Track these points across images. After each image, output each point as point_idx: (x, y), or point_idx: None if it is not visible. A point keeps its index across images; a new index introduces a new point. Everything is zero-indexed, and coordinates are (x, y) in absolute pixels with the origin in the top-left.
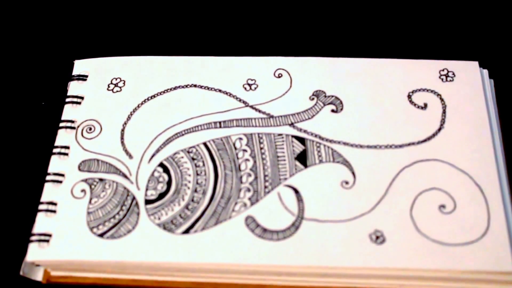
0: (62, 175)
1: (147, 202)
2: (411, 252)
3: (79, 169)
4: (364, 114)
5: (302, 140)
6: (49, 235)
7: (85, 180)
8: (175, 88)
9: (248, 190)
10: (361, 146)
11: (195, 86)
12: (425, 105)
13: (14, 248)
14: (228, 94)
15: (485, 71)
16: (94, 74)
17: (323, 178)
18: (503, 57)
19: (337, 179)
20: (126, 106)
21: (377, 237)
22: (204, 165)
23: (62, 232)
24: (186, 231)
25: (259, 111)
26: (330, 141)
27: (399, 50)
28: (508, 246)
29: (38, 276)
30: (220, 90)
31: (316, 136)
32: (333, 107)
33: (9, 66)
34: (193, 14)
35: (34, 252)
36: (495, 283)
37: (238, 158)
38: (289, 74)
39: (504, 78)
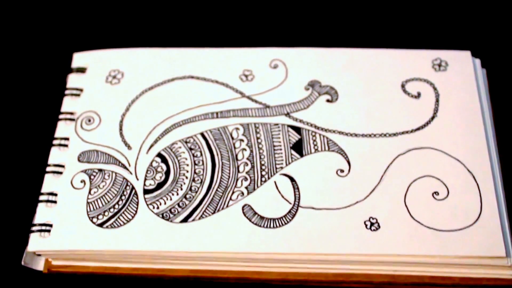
0: (62, 166)
1: (146, 191)
2: (405, 238)
3: (79, 160)
4: (358, 103)
5: (298, 130)
6: (50, 225)
7: (85, 171)
8: (172, 80)
9: (245, 179)
10: (356, 135)
11: (192, 77)
12: (419, 94)
13: (15, 238)
14: (225, 85)
15: (478, 61)
16: (92, 66)
17: (319, 167)
18: (495, 46)
19: (333, 168)
20: (124, 98)
21: (372, 224)
22: (201, 155)
23: (62, 222)
24: (185, 220)
25: (256, 101)
26: (326, 130)
27: (393, 40)
28: (500, 231)
29: (39, 265)
30: (217, 81)
31: (311, 125)
32: (328, 97)
33: (9, 59)
34: (190, 6)
35: (35, 242)
36: (487, 268)
37: (235, 147)
38: (284, 65)
39: (496, 67)
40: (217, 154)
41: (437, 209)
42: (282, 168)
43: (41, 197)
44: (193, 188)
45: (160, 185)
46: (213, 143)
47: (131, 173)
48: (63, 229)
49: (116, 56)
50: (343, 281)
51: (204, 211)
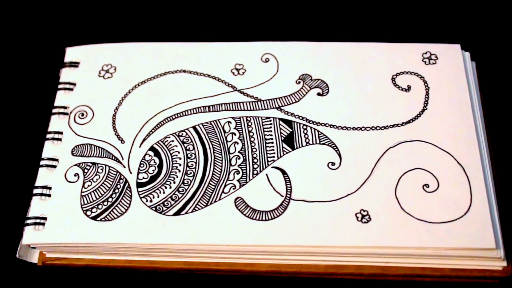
0: (56, 160)
1: (139, 185)
2: (396, 230)
3: (72, 154)
4: (349, 96)
5: (289, 123)
6: (44, 219)
7: (78, 165)
8: (164, 74)
9: (237, 172)
10: (346, 128)
11: (184, 71)
12: (409, 88)
13: (10, 231)
14: (217, 79)
15: (467, 54)
16: (85, 61)
17: (310, 160)
18: (485, 40)
19: (324, 161)
20: (117, 92)
21: (363, 216)
22: (194, 148)
23: (56, 216)
24: (177, 213)
25: (247, 95)
26: (317, 123)
27: (383, 34)
28: (490, 223)
29: (34, 258)
30: (208, 75)
31: (302, 118)
32: (319, 91)
33: (2, 54)
34: (181, 1)
35: (30, 235)
36: (478, 259)
37: (227, 141)
38: (276, 59)
39: (486, 60)
40: (209, 148)
41: (428, 201)
42: (273, 161)
43: (35, 191)
44: (185, 181)
45: (153, 179)
46: (205, 136)
47: (124, 166)
48: (57, 222)
49: (109, 50)
50: (335, 273)
51: (197, 204)
